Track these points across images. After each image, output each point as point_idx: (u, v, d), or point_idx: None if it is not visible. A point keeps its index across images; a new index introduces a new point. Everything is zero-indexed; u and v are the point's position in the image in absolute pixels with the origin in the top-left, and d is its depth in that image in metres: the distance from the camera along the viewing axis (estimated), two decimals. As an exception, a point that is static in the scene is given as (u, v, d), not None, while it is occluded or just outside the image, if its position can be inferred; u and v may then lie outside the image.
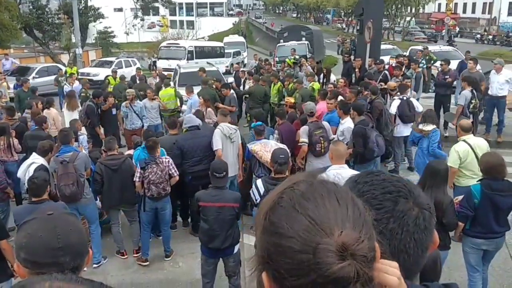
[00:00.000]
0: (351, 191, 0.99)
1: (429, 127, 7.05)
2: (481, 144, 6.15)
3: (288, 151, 6.67)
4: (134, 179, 6.25)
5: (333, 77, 13.94)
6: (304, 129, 7.25)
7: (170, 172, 6.32)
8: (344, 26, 63.55)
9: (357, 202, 0.87)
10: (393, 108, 9.05)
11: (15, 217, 5.20)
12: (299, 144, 7.25)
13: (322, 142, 7.15)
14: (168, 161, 6.36)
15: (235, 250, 5.15)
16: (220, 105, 10.75)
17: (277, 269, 0.81)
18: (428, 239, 1.05)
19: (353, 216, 0.82)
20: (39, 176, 5.17)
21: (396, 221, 1.01)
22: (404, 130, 9.04)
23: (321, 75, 14.40)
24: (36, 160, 6.39)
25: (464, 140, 6.12)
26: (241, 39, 38.86)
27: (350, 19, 57.33)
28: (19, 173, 6.51)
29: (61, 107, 16.23)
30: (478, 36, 46.70)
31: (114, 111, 10.78)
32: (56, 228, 1.50)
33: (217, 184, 5.03)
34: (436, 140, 7.01)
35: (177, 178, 6.42)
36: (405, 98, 9.10)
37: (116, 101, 11.05)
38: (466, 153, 6.05)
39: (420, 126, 7.22)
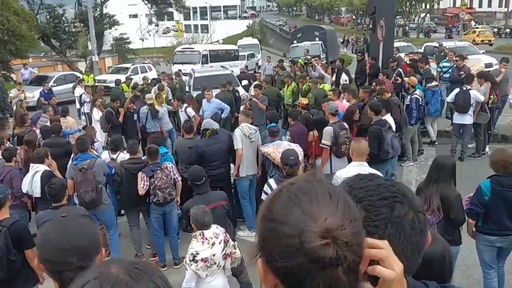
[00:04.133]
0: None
1: (435, 83, 10.45)
2: None
3: (301, 151, 6.74)
4: (141, 186, 6.23)
5: (344, 77, 13.89)
6: (328, 130, 7.17)
7: (174, 177, 6.38)
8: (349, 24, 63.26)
9: (349, 201, 0.95)
10: (450, 96, 9.80)
11: (37, 222, 5.34)
12: (321, 146, 7.22)
13: (347, 143, 7.13)
14: (172, 167, 6.44)
15: None
16: (255, 99, 10.85)
17: (270, 252, 0.91)
18: (423, 241, 1.10)
19: (342, 210, 0.91)
20: (57, 181, 5.28)
21: (394, 226, 1.05)
22: (457, 118, 9.69)
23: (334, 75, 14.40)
24: (37, 168, 6.37)
25: None
26: (255, 41, 38.88)
27: (355, 16, 56.77)
28: (24, 187, 6.39)
29: (79, 115, 16.60)
30: (496, 30, 45.87)
31: (135, 116, 10.89)
32: (66, 230, 1.63)
33: (199, 191, 5.16)
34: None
35: (181, 183, 6.49)
36: (464, 88, 9.50)
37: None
38: None
39: (430, 84, 10.37)
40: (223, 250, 4.31)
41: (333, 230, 0.86)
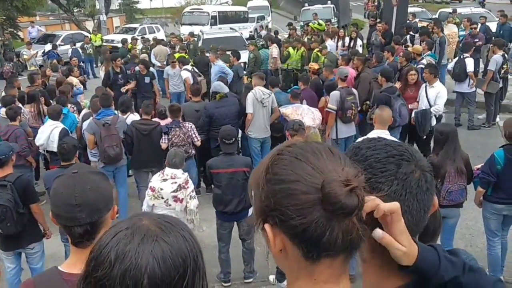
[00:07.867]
0: (353, 157, 1.09)
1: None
2: None
3: (320, 115, 6.86)
4: (161, 141, 6.49)
5: (359, 42, 13.63)
6: (335, 94, 7.18)
7: (192, 137, 6.52)
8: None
9: (348, 159, 0.98)
10: (450, 64, 10.03)
11: (45, 181, 5.41)
12: (326, 110, 7.24)
13: (354, 108, 7.19)
14: (191, 126, 6.56)
15: (249, 214, 5.22)
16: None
17: (283, 213, 0.89)
18: (429, 200, 1.10)
19: (347, 162, 0.94)
20: (69, 141, 5.30)
21: (400, 183, 1.05)
22: (456, 86, 9.79)
23: (347, 39, 14.09)
24: (57, 124, 6.65)
25: None
26: (265, 3, 37.94)
27: None
28: (41, 140, 6.70)
29: (87, 74, 16.59)
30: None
31: (147, 79, 10.53)
32: (75, 186, 1.63)
33: (226, 150, 5.11)
34: None
35: (199, 143, 6.59)
36: (461, 57, 9.61)
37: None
38: None
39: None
40: (174, 191, 4.77)
41: (353, 177, 0.88)
